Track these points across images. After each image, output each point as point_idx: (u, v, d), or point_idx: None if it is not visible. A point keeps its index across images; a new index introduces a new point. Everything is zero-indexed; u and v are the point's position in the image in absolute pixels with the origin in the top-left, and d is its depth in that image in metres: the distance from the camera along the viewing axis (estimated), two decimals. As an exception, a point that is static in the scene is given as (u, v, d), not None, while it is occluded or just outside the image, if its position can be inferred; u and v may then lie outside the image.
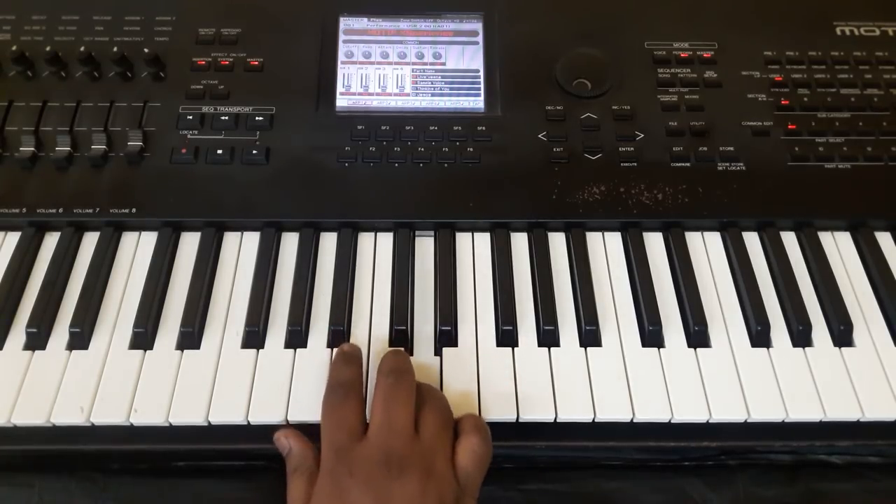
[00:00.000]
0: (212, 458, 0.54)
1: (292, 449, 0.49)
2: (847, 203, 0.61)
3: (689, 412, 0.52)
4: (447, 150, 0.62)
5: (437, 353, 0.55)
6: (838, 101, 0.66)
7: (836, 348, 0.55)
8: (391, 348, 0.54)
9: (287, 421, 0.51)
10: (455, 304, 0.56)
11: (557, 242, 0.60)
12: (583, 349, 0.54)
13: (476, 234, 0.61)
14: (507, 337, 0.55)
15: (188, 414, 0.51)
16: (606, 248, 0.60)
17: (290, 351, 0.54)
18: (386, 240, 0.60)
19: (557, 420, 0.52)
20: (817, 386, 0.53)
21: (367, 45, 0.69)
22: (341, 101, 0.66)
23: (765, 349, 0.55)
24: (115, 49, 0.65)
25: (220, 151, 0.62)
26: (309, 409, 0.51)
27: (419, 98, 0.66)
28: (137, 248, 0.59)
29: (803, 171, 0.62)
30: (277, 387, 0.52)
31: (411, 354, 0.54)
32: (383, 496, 0.44)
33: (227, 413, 0.51)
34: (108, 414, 0.51)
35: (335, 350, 0.53)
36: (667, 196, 0.61)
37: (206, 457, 0.54)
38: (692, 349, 0.55)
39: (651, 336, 0.55)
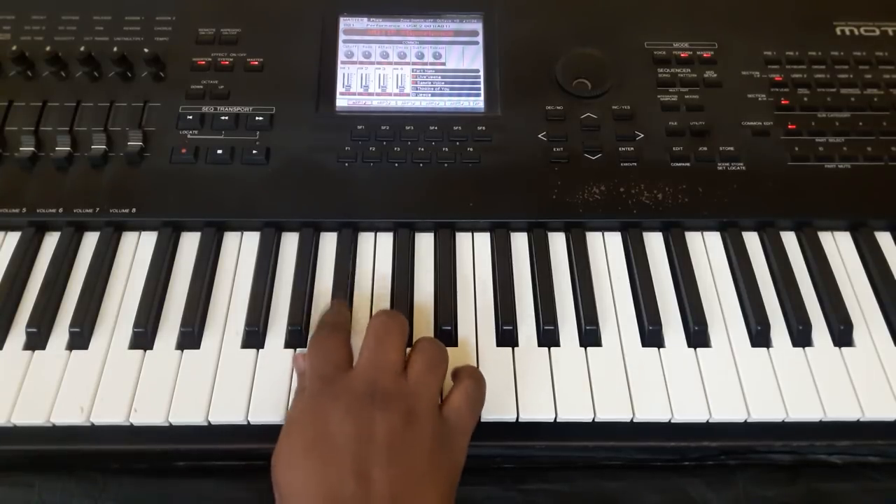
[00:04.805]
0: (212, 458, 0.54)
1: (304, 369, 0.50)
2: (847, 203, 0.61)
3: (689, 412, 0.52)
4: (447, 149, 0.62)
5: (437, 352, 0.55)
6: (838, 101, 0.65)
7: (836, 348, 0.55)
8: None
9: (287, 421, 0.51)
10: (455, 304, 0.56)
11: (557, 242, 0.60)
12: (583, 349, 0.54)
13: (476, 234, 0.61)
14: (507, 337, 0.55)
15: (188, 414, 0.51)
16: (606, 248, 0.60)
17: (291, 351, 0.54)
18: (386, 240, 0.60)
19: (557, 420, 0.52)
20: (817, 386, 0.53)
21: (367, 44, 0.69)
22: (341, 101, 0.66)
23: (765, 349, 0.55)
24: (115, 49, 0.65)
25: (220, 151, 0.62)
26: (309, 408, 0.51)
27: (419, 98, 0.66)
28: (137, 248, 0.59)
29: (803, 171, 0.62)
30: (277, 386, 0.52)
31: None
32: (365, 424, 0.44)
33: (227, 413, 0.51)
34: (108, 414, 0.51)
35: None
36: (667, 196, 0.61)
37: (206, 457, 0.54)
38: (692, 349, 0.55)
39: (651, 336, 0.55)
